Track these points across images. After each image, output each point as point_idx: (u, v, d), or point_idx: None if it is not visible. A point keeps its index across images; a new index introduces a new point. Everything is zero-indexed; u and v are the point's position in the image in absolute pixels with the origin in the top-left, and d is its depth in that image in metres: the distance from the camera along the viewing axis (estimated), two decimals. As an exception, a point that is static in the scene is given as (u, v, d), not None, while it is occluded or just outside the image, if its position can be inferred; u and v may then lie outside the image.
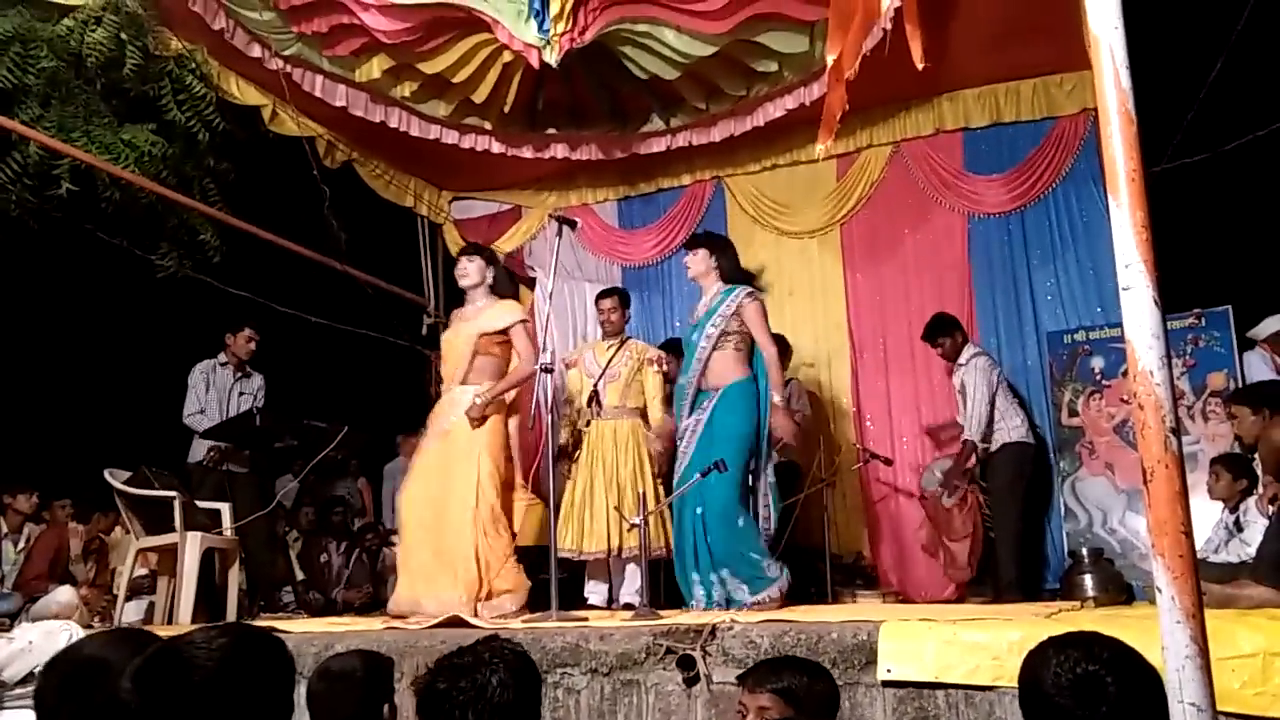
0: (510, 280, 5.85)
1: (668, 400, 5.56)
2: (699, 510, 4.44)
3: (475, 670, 1.84)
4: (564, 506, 5.44)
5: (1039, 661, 1.75)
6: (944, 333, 5.95)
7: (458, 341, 4.86)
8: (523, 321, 4.89)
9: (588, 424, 5.64)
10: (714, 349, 4.62)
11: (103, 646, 2.02)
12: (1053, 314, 6.28)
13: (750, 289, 4.85)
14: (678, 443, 4.77)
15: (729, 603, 4.41)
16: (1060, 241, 6.36)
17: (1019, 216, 6.44)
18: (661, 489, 5.39)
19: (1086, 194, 6.29)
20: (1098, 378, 5.95)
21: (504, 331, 4.80)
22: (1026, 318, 6.35)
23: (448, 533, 4.61)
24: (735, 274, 4.91)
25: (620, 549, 5.36)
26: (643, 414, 5.68)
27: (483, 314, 4.86)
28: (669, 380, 5.63)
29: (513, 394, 4.92)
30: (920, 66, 3.55)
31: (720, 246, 4.93)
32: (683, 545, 4.57)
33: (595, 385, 5.56)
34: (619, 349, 5.71)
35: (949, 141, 6.61)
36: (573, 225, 4.86)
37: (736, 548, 4.43)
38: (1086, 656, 1.70)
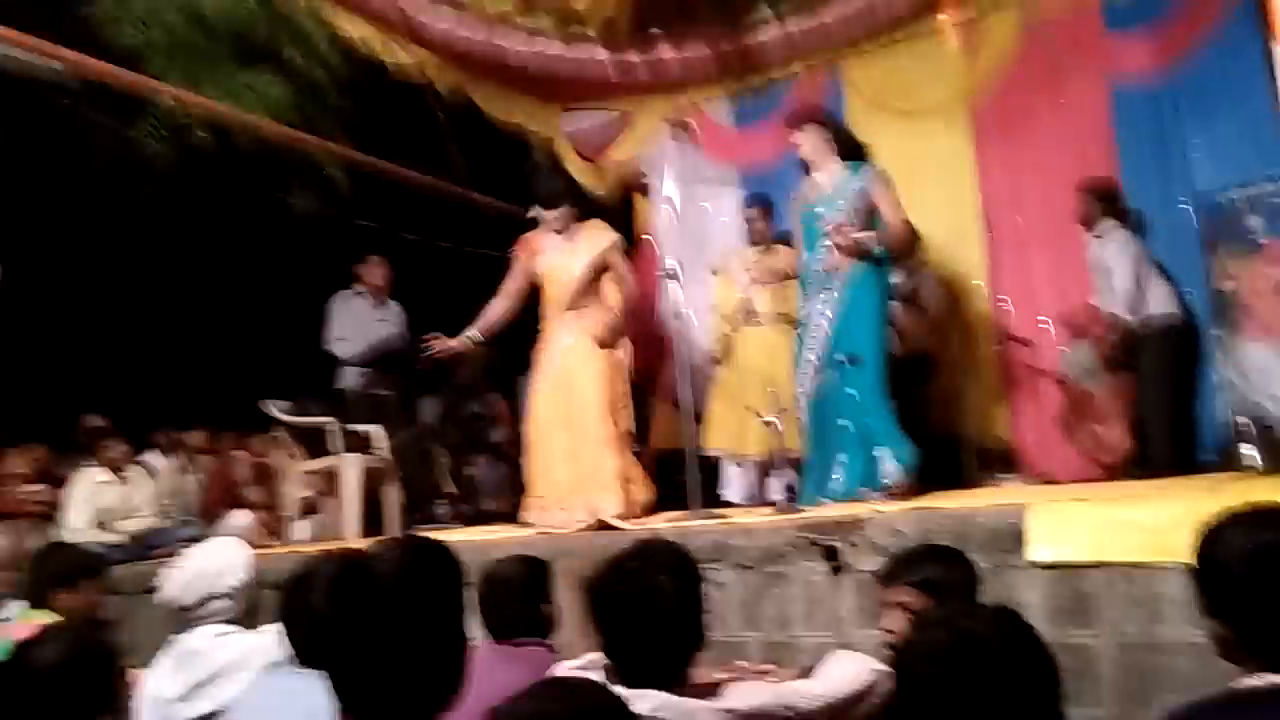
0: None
1: None
2: (851, 391, 4.40)
3: (644, 573, 1.93)
4: (715, 409, 5.60)
5: (1218, 533, 1.69)
6: (1094, 193, 5.65)
7: (560, 271, 4.86)
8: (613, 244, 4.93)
9: (734, 330, 5.71)
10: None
11: (312, 564, 2.22)
12: (1205, 174, 5.78)
13: (877, 166, 4.73)
14: (800, 328, 4.69)
15: (868, 483, 4.35)
16: (1213, 100, 5.78)
17: (1166, 77, 5.92)
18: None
19: (1241, 45, 5.70)
20: (1255, 237, 5.72)
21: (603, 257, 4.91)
22: (1176, 179, 5.90)
23: (583, 450, 4.71)
24: (853, 148, 4.76)
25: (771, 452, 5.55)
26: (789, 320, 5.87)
27: (580, 241, 4.85)
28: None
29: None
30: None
31: (827, 119, 4.80)
32: (825, 430, 4.51)
33: (746, 292, 5.66)
34: (766, 254, 5.79)
35: (1085, -3, 6.56)
36: (685, 127, 4.81)
37: (891, 427, 4.43)
38: (1271, 526, 1.64)
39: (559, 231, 4.88)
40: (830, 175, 4.66)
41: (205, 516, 6.37)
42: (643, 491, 4.74)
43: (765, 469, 5.63)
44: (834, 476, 4.46)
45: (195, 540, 3.31)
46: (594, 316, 4.86)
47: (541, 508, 4.85)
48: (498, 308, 4.92)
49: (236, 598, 2.72)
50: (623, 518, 4.59)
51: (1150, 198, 5.98)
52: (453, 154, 6.73)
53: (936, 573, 2.31)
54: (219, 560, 2.80)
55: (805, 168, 4.80)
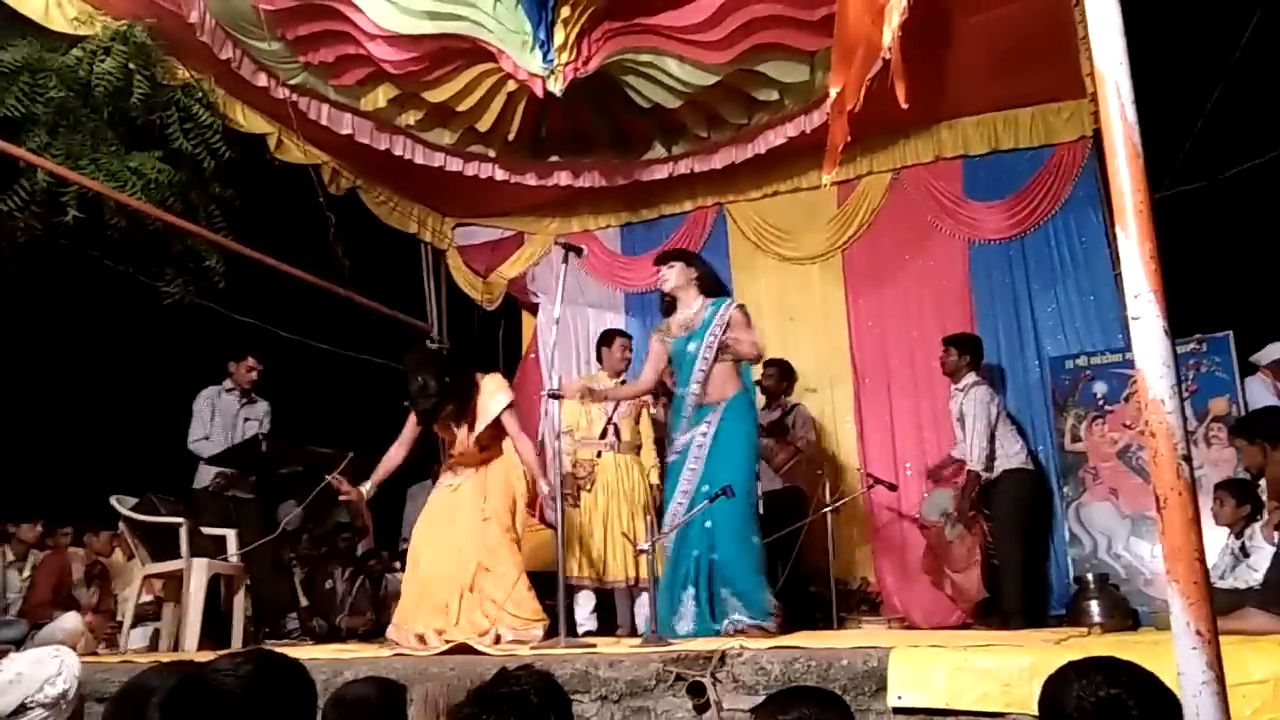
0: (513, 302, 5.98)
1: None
2: (708, 524, 4.44)
3: (514, 700, 1.85)
4: (578, 535, 5.49)
5: (1061, 686, 1.75)
6: (960, 346, 5.91)
7: (456, 436, 4.78)
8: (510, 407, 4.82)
9: (599, 455, 5.70)
10: (715, 361, 4.64)
11: (147, 676, 2.05)
12: (1054, 339, 6.28)
13: (736, 300, 4.92)
14: (674, 458, 4.75)
15: (718, 621, 4.36)
16: (1061, 267, 6.36)
17: (1019, 242, 6.45)
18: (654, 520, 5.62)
19: (1086, 220, 6.32)
20: (1100, 403, 5.90)
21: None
22: (1029, 342, 6.36)
23: (461, 563, 4.64)
24: (715, 286, 4.94)
25: (636, 578, 5.52)
26: (638, 451, 5.88)
27: (474, 407, 4.81)
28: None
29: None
30: (905, 105, 3.59)
31: (695, 259, 5.00)
32: (679, 561, 4.54)
33: (611, 419, 5.66)
34: (624, 385, 5.92)
35: (949, 169, 6.66)
36: (579, 252, 4.88)
37: (745, 565, 4.43)
38: (1109, 680, 1.70)
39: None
40: (695, 310, 4.79)
41: (31, 616, 5.99)
42: (526, 608, 4.58)
43: (630, 596, 5.65)
44: (678, 612, 4.44)
45: (17, 643, 3.05)
46: (495, 471, 4.79)
47: (407, 627, 4.65)
48: (395, 457, 4.86)
49: (57, 709, 2.54)
50: (505, 631, 4.48)
51: (1004, 354, 6.38)
52: (338, 255, 6.63)
53: (814, 715, 2.36)
54: (41, 666, 2.58)
55: (668, 303, 4.92)
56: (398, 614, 4.79)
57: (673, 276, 4.84)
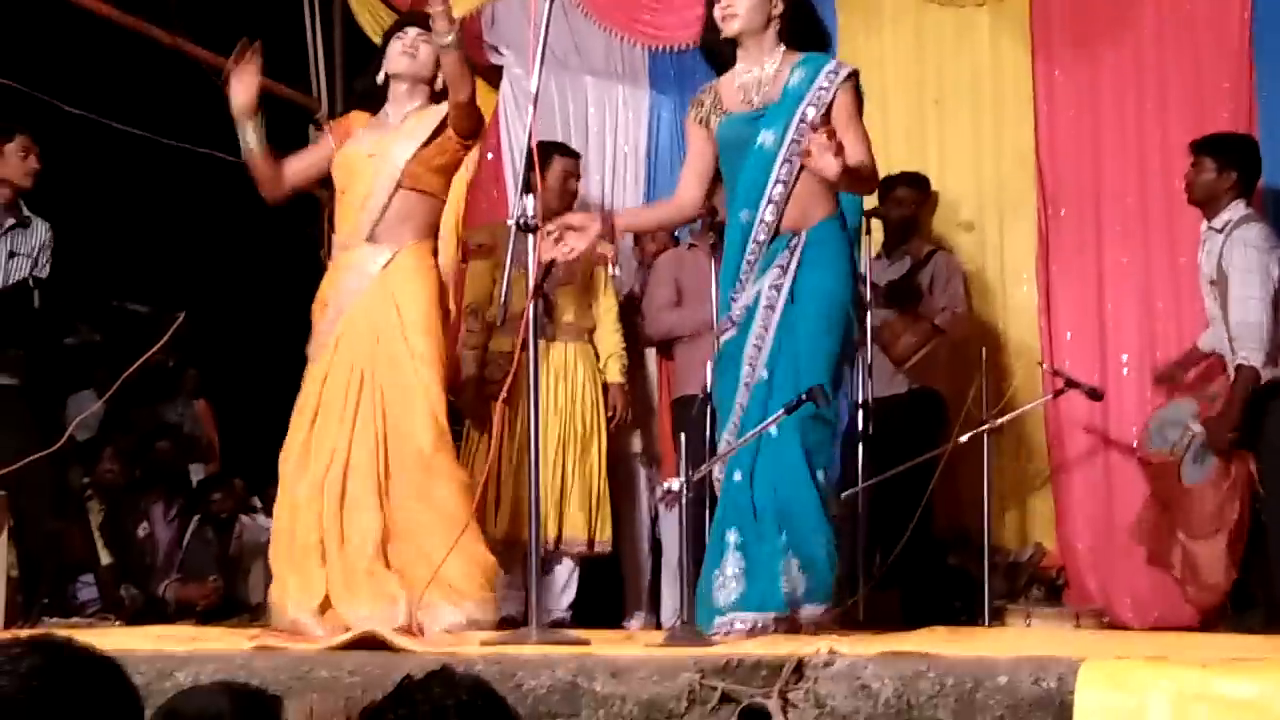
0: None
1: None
2: (773, 433, 4.51)
3: None
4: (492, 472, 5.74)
5: None
6: (1222, 155, 5.71)
7: (365, 169, 4.94)
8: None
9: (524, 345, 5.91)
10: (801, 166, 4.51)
11: None
12: None
13: (847, 64, 4.76)
14: (730, 333, 4.76)
15: (762, 603, 4.43)
16: None
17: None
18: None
19: None
20: None
21: (435, 136, 4.91)
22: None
23: (363, 503, 4.74)
24: (811, 30, 4.80)
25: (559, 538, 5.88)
26: (590, 338, 6.17)
27: (409, 122, 4.99)
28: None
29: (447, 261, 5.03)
30: None
31: None
32: (723, 503, 4.62)
33: (540, 286, 5.75)
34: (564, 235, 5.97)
35: None
36: None
37: (811, 510, 4.52)
38: None
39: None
40: (771, 67, 4.71)
41: None
42: (470, 574, 4.73)
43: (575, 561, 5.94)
44: (717, 575, 4.54)
45: None
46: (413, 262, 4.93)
47: (279, 605, 4.74)
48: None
49: None
50: (424, 617, 4.59)
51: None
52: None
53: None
54: None
55: (719, 53, 4.84)
56: (274, 582, 4.83)
57: (744, 4, 4.63)
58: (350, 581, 4.64)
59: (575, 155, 6.09)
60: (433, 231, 4.97)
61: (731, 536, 4.50)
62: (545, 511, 5.48)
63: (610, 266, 6.22)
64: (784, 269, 4.58)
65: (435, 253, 5.01)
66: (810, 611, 4.45)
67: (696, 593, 4.41)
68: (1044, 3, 6.72)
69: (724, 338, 4.74)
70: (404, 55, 4.86)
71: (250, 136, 4.94)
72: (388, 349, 4.78)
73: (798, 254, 4.58)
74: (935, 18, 6.89)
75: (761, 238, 4.60)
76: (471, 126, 4.89)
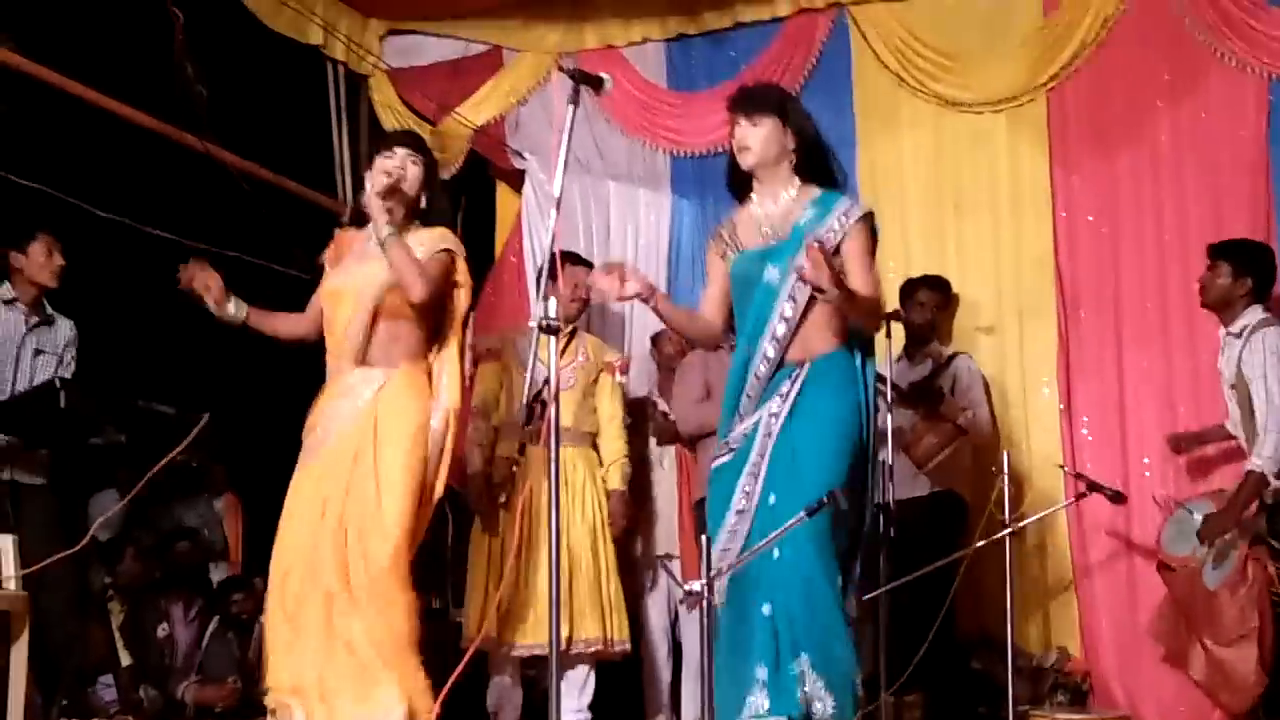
0: (448, 198, 5.99)
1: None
2: (776, 555, 4.45)
3: None
4: (495, 572, 5.90)
5: None
6: (1238, 260, 5.75)
7: (345, 300, 4.97)
8: (447, 251, 5.02)
9: (522, 450, 6.04)
10: (812, 297, 4.51)
11: None
12: None
13: (861, 204, 4.78)
14: (725, 457, 4.77)
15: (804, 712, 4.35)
16: None
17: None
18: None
19: None
20: None
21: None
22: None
23: (350, 600, 4.77)
24: (825, 165, 4.78)
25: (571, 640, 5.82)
26: (594, 444, 6.18)
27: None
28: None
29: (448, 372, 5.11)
30: None
31: (796, 110, 4.78)
32: (741, 620, 4.57)
33: (540, 392, 5.82)
34: (570, 342, 6.12)
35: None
36: (597, 85, 4.73)
37: (827, 623, 4.46)
38: None
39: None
40: (785, 202, 4.75)
41: None
42: (405, 681, 4.72)
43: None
44: (747, 701, 4.47)
45: None
46: (406, 380, 4.94)
47: (276, 698, 4.72)
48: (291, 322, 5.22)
49: None
50: None
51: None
52: (189, 81, 6.47)
53: None
54: None
55: (738, 183, 4.85)
56: (273, 678, 4.83)
57: (757, 139, 4.63)
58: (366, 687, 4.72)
59: (588, 265, 6.13)
60: (425, 350, 5.06)
61: (761, 673, 4.51)
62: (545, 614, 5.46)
63: (617, 375, 6.28)
64: (784, 397, 4.61)
65: (429, 371, 5.07)
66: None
67: (717, 709, 4.35)
68: (1061, 108, 6.78)
69: (718, 462, 4.74)
70: (387, 175, 4.91)
71: (233, 314, 5.15)
72: (362, 470, 4.89)
73: (798, 383, 4.62)
74: (953, 123, 6.96)
75: (762, 371, 4.64)
76: (431, 303, 5.01)
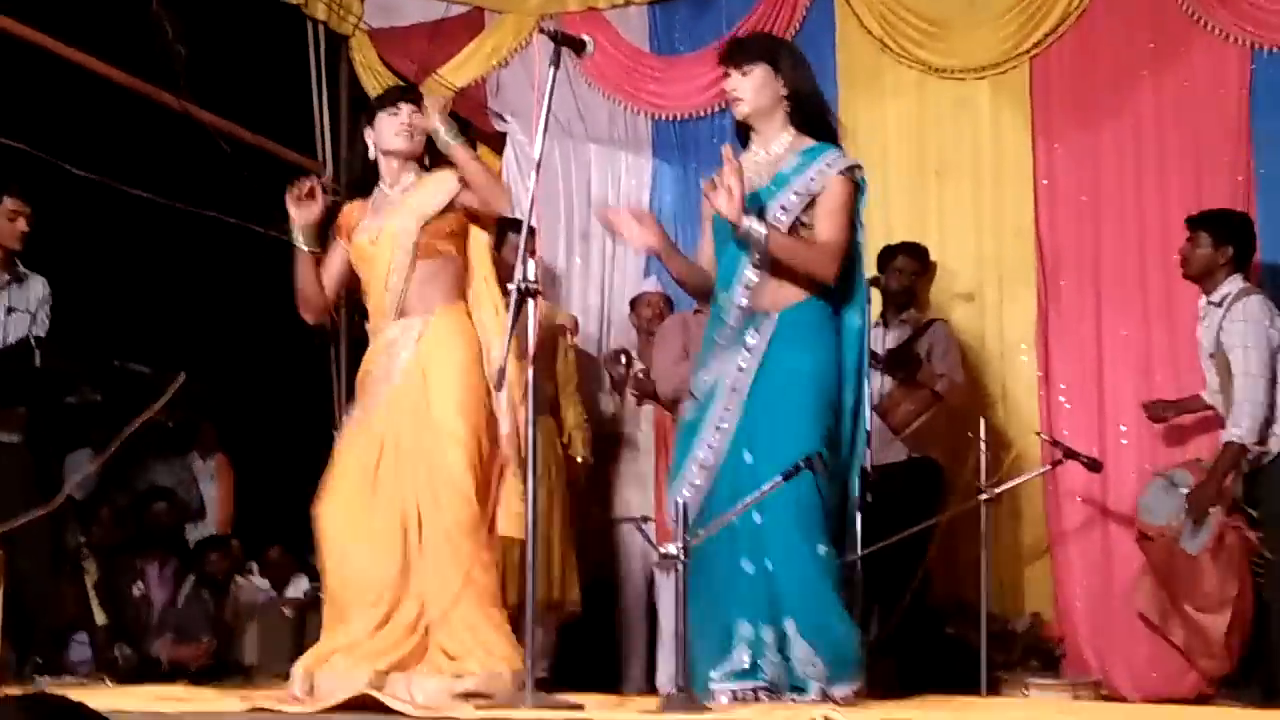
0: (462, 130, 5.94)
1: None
2: (758, 519, 4.43)
3: None
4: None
5: None
6: (1217, 231, 5.77)
7: (380, 253, 4.88)
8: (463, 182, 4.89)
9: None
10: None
11: None
12: None
13: (849, 158, 4.71)
14: (690, 413, 4.78)
15: (790, 684, 4.41)
16: None
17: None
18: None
19: None
20: None
21: (449, 205, 4.85)
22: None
23: (413, 566, 4.64)
24: (819, 120, 4.76)
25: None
26: (553, 408, 6.26)
27: (411, 195, 4.95)
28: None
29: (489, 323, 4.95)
30: None
31: (793, 63, 4.75)
32: (717, 577, 4.54)
33: (535, 353, 5.77)
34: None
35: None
36: (579, 48, 4.71)
37: (814, 588, 4.45)
38: None
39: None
40: (773, 153, 4.72)
41: None
42: (495, 641, 4.60)
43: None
44: (727, 658, 4.49)
45: None
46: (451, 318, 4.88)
47: (320, 672, 4.58)
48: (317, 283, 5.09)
49: None
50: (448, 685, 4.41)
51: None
52: (167, 40, 6.50)
53: None
54: None
55: (740, 133, 4.82)
56: (327, 633, 4.70)
57: (748, 88, 4.64)
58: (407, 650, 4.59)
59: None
60: (461, 290, 4.92)
61: (745, 630, 4.50)
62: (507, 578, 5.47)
63: (568, 335, 6.32)
64: (751, 351, 4.57)
65: (468, 312, 4.92)
66: (841, 692, 4.43)
67: (691, 666, 4.35)
68: (1044, 76, 6.78)
69: (686, 416, 4.76)
70: (400, 135, 4.86)
71: (302, 240, 5.05)
72: (421, 425, 4.78)
73: (767, 336, 4.55)
74: (936, 89, 6.96)
75: (732, 321, 4.60)
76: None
